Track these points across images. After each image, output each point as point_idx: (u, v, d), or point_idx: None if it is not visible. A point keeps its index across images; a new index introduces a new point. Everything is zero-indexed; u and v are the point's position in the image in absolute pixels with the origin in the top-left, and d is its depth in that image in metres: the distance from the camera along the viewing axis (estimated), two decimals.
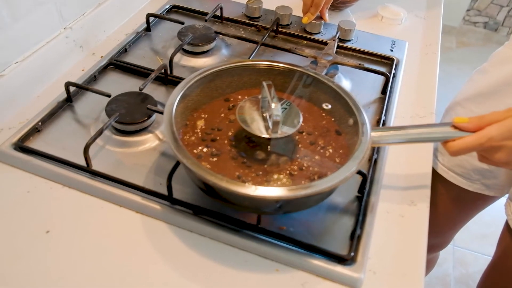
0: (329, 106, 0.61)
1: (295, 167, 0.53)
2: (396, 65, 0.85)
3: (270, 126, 0.53)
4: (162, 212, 0.55)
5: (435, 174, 0.85)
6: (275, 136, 0.52)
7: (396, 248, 0.55)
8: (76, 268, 0.50)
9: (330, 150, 0.56)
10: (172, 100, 0.55)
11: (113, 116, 0.62)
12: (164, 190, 0.56)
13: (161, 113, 0.66)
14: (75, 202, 0.56)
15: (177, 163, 0.56)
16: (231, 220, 0.54)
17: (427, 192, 0.62)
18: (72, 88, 0.69)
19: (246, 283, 0.50)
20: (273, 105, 0.51)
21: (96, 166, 0.59)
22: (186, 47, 0.81)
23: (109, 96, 0.66)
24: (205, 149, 0.54)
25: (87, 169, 0.58)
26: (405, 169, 0.66)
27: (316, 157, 0.55)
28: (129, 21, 0.90)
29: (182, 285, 0.49)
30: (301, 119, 0.54)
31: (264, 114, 0.54)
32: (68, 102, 0.69)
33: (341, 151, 0.56)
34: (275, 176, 0.52)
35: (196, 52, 0.82)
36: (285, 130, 0.53)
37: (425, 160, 0.68)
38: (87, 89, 0.69)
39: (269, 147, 0.55)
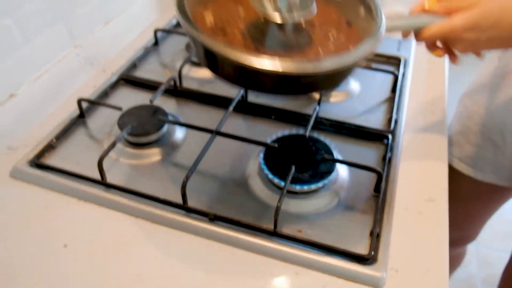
0: None
1: (311, 54, 0.51)
2: (404, 64, 0.84)
3: (283, 12, 0.50)
4: (178, 221, 0.55)
5: (450, 168, 0.84)
6: (293, 20, 0.50)
7: (417, 245, 0.54)
8: (95, 281, 0.50)
9: (342, 40, 0.54)
10: None
11: (125, 129, 0.63)
12: (179, 199, 0.56)
13: (172, 123, 0.67)
14: (92, 216, 0.57)
15: (191, 171, 0.56)
16: (247, 226, 0.54)
17: (445, 186, 0.61)
18: (84, 104, 0.70)
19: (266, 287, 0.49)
20: None
21: (110, 179, 0.59)
22: (194, 58, 0.82)
23: (120, 109, 0.67)
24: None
25: (102, 182, 0.59)
26: (421, 165, 0.65)
27: (331, 46, 0.53)
28: (138, 37, 0.92)
29: None
30: (314, 6, 0.52)
31: (276, 3, 0.51)
32: (81, 117, 0.70)
33: (355, 39, 0.54)
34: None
35: None
36: (301, 15, 0.51)
37: (440, 155, 0.66)
38: (99, 104, 0.70)
39: (284, 35, 0.52)
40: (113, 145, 0.60)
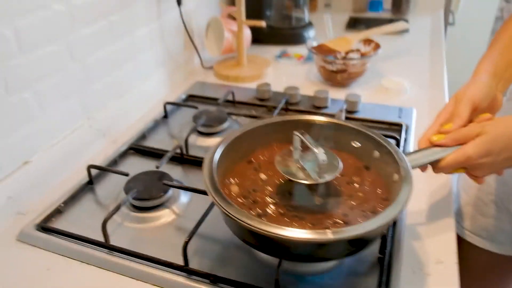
0: (359, 144, 0.62)
1: (346, 208, 0.53)
2: (406, 130, 0.87)
3: (312, 173, 0.53)
4: (180, 283, 0.54)
5: (462, 240, 0.82)
6: (323, 180, 0.52)
7: None
8: None
9: (367, 185, 0.57)
10: (208, 163, 0.55)
11: (131, 192, 0.65)
12: (181, 262, 0.56)
13: (177, 187, 0.68)
14: (93, 278, 0.56)
15: (193, 233, 0.57)
16: (248, 286, 0.53)
17: (454, 249, 0.60)
18: (93, 172, 0.73)
19: None
20: (316, 150, 0.52)
21: (114, 241, 0.60)
22: (200, 128, 0.86)
23: (127, 175, 0.69)
24: (251, 212, 0.53)
25: (105, 245, 0.59)
26: (427, 226, 0.64)
27: (360, 194, 0.56)
28: (149, 110, 0.97)
29: None
30: (340, 161, 0.55)
31: (299, 164, 0.55)
32: (89, 184, 0.72)
33: (377, 183, 0.58)
34: (330, 222, 0.51)
35: (210, 133, 0.86)
36: (328, 174, 0.53)
37: (446, 214, 0.66)
38: (107, 170, 0.73)
39: (315, 194, 0.54)
40: (117, 208, 0.61)
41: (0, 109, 0.63)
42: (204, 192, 0.64)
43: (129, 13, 0.87)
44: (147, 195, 0.66)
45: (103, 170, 0.74)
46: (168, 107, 0.95)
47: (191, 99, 1.03)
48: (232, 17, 1.17)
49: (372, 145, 0.61)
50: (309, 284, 0.54)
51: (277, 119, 0.65)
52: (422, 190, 0.71)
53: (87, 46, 0.78)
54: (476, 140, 0.55)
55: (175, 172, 0.75)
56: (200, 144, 0.84)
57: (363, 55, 1.06)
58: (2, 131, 0.64)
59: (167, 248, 0.60)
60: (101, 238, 0.59)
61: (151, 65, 0.99)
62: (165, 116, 0.94)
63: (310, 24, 1.40)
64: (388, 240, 0.58)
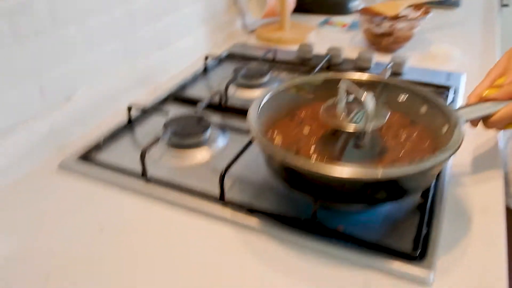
0: (404, 97, 0.60)
1: (394, 157, 0.52)
2: (454, 92, 0.83)
3: (357, 122, 0.51)
4: (215, 214, 0.54)
5: (508, 210, 0.78)
6: (370, 127, 0.50)
7: (470, 250, 0.49)
8: (127, 263, 0.49)
9: (415, 138, 0.55)
10: (254, 110, 0.55)
11: (170, 128, 0.65)
12: (217, 194, 0.55)
13: (216, 126, 0.68)
14: (131, 206, 0.57)
15: (230, 165, 0.56)
16: (286, 218, 0.52)
17: (500, 199, 0.56)
18: (133, 113, 0.73)
19: (301, 276, 0.46)
20: (363, 96, 0.49)
21: (152, 173, 0.60)
22: (241, 80, 0.85)
23: (167, 114, 0.69)
24: None
25: (143, 175, 0.60)
26: (472, 176, 0.61)
27: (408, 145, 0.54)
28: (189, 65, 0.97)
29: (232, 283, 0.46)
30: (387, 110, 0.53)
31: (344, 114, 0.53)
32: (129, 124, 0.73)
33: (424, 136, 0.55)
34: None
35: (251, 86, 0.85)
36: (375, 124, 0.51)
37: (492, 165, 0.62)
38: (147, 111, 0.73)
39: (361, 144, 0.52)
40: (156, 140, 0.62)
41: (46, 41, 0.64)
42: (243, 132, 0.64)
43: None
44: (186, 132, 0.66)
45: (144, 112, 0.74)
46: (209, 62, 0.95)
47: (232, 56, 1.02)
48: None
49: (419, 100, 0.58)
50: (347, 220, 0.52)
51: (321, 77, 0.64)
52: (468, 142, 0.68)
53: None
54: None
55: (214, 120, 0.74)
56: (239, 96, 0.83)
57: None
58: (47, 64, 0.65)
59: (204, 182, 0.59)
60: (139, 171, 0.60)
61: (193, 21, 0.99)
62: (205, 70, 0.94)
63: None
64: (430, 187, 0.56)
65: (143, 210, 0.56)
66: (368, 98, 0.49)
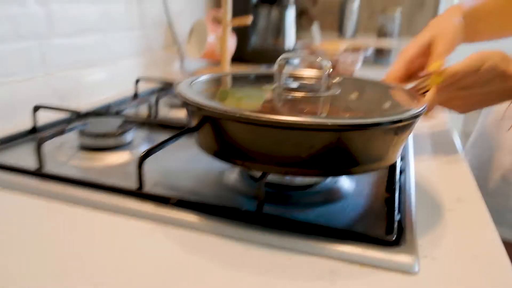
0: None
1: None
2: None
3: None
4: (132, 209, 0.41)
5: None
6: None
7: (453, 234, 0.39)
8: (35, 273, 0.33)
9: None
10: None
11: (81, 124, 0.53)
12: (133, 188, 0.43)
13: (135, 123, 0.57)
14: (26, 207, 0.42)
15: (151, 150, 0.44)
16: (218, 208, 0.40)
17: (474, 187, 0.48)
18: (42, 115, 0.60)
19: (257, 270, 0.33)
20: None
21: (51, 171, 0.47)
22: (172, 100, 0.75)
23: (78, 114, 0.57)
24: None
25: (38, 172, 0.46)
26: (438, 170, 0.53)
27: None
28: (117, 90, 0.87)
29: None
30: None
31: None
32: (33, 132, 0.59)
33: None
34: None
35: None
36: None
37: (455, 156, 0.55)
38: (57, 109, 0.61)
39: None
40: (61, 132, 0.49)
41: None
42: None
43: None
44: (101, 133, 0.54)
45: (50, 108, 0.61)
46: (141, 90, 0.85)
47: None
48: (217, 22, 1.13)
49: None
50: (304, 214, 0.41)
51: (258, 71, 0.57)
52: (425, 138, 0.62)
53: None
54: (465, 58, 0.49)
55: (141, 133, 0.63)
56: (169, 114, 0.74)
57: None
58: None
59: (121, 180, 0.46)
60: (34, 168, 0.46)
61: (125, 48, 0.91)
62: (135, 96, 0.84)
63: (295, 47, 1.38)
64: (395, 181, 0.47)
65: (40, 210, 0.42)
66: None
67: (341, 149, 0.36)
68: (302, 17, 1.63)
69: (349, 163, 0.38)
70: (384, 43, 1.24)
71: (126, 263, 0.34)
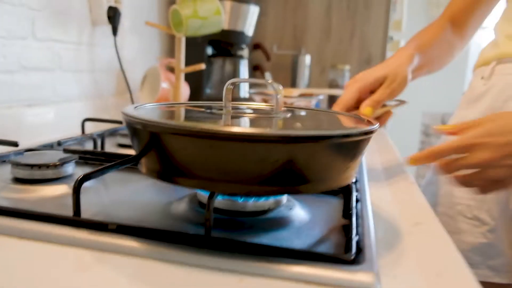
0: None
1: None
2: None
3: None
4: (66, 237, 0.36)
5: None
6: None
7: (415, 255, 0.37)
8: None
9: None
10: None
11: (16, 154, 0.48)
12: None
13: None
14: None
15: (92, 173, 0.41)
16: (161, 233, 0.36)
17: (430, 211, 0.48)
18: None
19: None
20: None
21: None
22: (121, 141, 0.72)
23: (15, 145, 0.53)
24: None
25: None
26: (392, 197, 0.52)
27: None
28: (65, 130, 0.82)
29: None
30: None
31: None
32: None
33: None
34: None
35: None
36: None
37: (408, 183, 0.55)
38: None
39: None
40: None
41: None
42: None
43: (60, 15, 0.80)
44: (37, 164, 0.49)
45: None
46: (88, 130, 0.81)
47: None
48: (171, 69, 1.13)
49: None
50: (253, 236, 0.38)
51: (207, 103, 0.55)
52: (379, 171, 0.61)
53: None
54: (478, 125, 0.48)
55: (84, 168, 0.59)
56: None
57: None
58: None
59: (53, 209, 0.42)
60: None
61: (73, 90, 0.88)
62: (83, 132, 0.80)
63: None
64: (352, 206, 0.45)
65: None
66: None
67: (291, 163, 0.35)
68: (256, 71, 1.68)
69: (299, 180, 0.36)
70: (336, 92, 1.29)
71: None
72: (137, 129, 0.39)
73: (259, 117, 0.45)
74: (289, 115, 0.46)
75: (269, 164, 0.34)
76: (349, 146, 0.37)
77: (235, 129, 0.33)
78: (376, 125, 0.40)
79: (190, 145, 0.35)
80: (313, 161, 0.35)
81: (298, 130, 0.39)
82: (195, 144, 0.34)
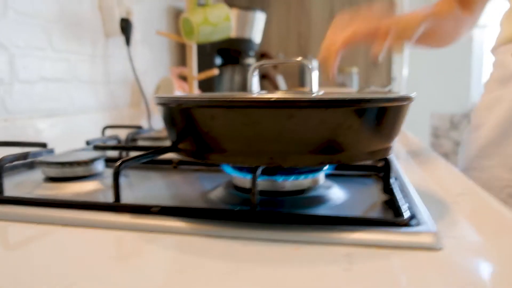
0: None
1: None
2: None
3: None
4: (108, 222, 0.36)
5: None
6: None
7: (468, 220, 0.36)
8: None
9: None
10: None
11: (49, 155, 0.48)
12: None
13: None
14: None
15: (131, 159, 0.40)
16: (206, 212, 0.35)
17: (471, 184, 0.46)
18: None
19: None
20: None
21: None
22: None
23: (44, 146, 0.53)
24: None
25: None
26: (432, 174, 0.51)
27: None
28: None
29: None
30: None
31: None
32: None
33: None
34: None
35: None
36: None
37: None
38: (16, 145, 0.55)
39: None
40: (24, 157, 0.44)
41: None
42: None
43: (74, 27, 0.81)
44: (67, 162, 0.49)
45: (10, 145, 0.55)
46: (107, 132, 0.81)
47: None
48: (183, 78, 1.13)
49: None
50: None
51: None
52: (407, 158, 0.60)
53: (16, 33, 0.68)
54: None
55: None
56: None
57: None
58: None
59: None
60: None
61: (89, 103, 0.88)
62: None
63: None
64: (391, 182, 0.44)
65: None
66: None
67: (331, 130, 0.34)
68: (265, 80, 1.68)
69: (341, 148, 0.35)
70: (349, 90, 1.28)
71: (131, 273, 0.28)
72: (174, 111, 0.38)
73: (296, 94, 0.44)
74: (321, 92, 0.46)
75: (309, 131, 0.33)
76: (394, 111, 0.37)
77: (284, 95, 0.32)
78: (414, 93, 0.40)
79: (241, 117, 0.34)
80: (358, 127, 0.35)
81: (338, 94, 0.38)
82: (247, 115, 0.33)
